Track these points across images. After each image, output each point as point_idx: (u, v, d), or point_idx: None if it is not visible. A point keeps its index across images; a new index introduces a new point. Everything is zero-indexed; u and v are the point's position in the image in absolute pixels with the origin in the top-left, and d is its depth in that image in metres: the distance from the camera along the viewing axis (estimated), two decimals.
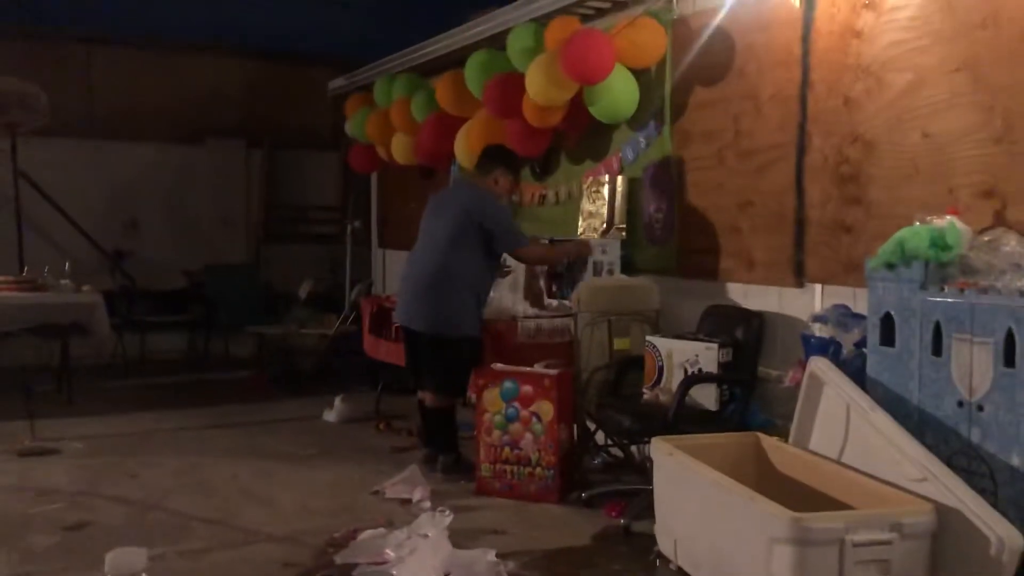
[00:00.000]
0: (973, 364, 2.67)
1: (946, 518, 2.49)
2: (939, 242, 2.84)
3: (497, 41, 5.67)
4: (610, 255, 4.79)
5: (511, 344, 4.63)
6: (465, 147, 5.66)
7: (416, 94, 6.38)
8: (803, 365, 3.26)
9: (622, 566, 3.47)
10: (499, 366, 4.40)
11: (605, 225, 5.00)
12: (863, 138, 3.67)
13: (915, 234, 2.89)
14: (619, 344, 4.47)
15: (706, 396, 3.91)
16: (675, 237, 4.68)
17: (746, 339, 4.02)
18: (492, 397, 4.32)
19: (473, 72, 5.53)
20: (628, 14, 4.83)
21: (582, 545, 3.73)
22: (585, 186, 5.25)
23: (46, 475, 4.66)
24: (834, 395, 3.00)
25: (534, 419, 4.24)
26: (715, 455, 3.02)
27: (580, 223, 5.23)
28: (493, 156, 4.86)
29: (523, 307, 4.91)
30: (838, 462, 2.95)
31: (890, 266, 2.94)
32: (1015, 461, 2.57)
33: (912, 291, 2.86)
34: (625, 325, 4.48)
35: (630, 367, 4.30)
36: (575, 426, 4.43)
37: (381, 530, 3.67)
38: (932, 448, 2.70)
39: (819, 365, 3.08)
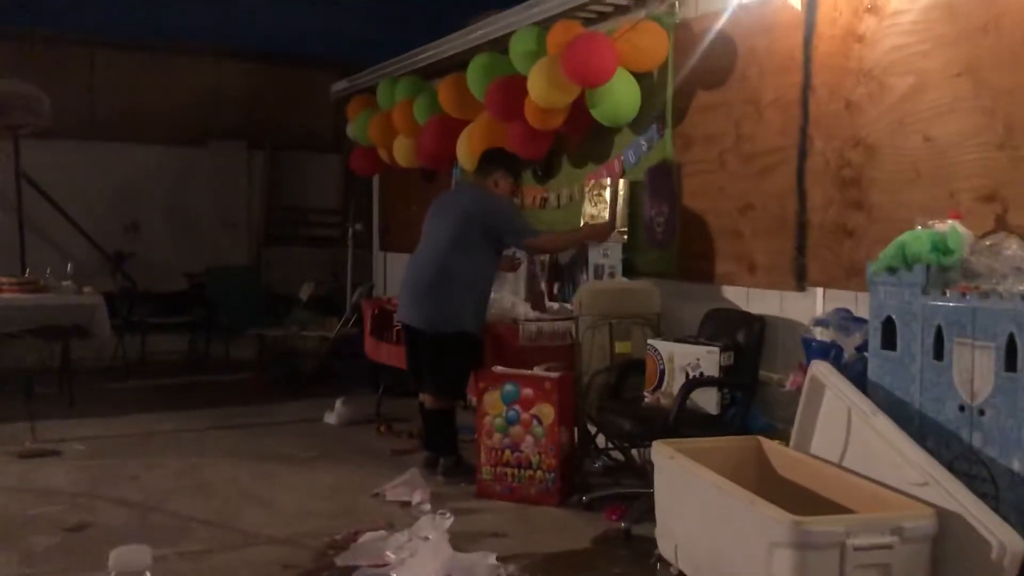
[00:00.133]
0: (974, 368, 2.67)
1: (947, 522, 2.49)
2: (940, 246, 2.84)
3: (499, 44, 5.67)
4: (611, 258, 4.79)
5: (512, 347, 4.63)
6: (467, 150, 5.66)
7: (418, 97, 6.39)
8: (804, 369, 3.25)
9: (622, 570, 3.47)
10: (500, 369, 4.40)
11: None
12: (865, 142, 3.67)
13: (916, 238, 2.89)
14: (620, 347, 4.46)
15: (707, 400, 3.91)
16: (676, 240, 4.68)
17: (747, 343, 4.02)
18: (493, 400, 4.32)
19: (475, 75, 5.53)
20: (630, 18, 4.84)
21: (582, 548, 3.72)
22: (587, 189, 5.25)
23: (47, 477, 4.66)
24: (835, 399, 2.99)
25: (535, 422, 4.23)
26: (716, 459, 3.02)
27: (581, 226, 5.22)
28: (493, 159, 4.87)
29: (524, 310, 4.91)
30: (839, 466, 2.95)
31: (891, 270, 2.94)
32: (1016, 466, 2.56)
33: (913, 295, 2.86)
34: (626, 328, 4.48)
35: (631, 370, 4.30)
36: (576, 429, 4.43)
37: (381, 532, 3.68)
38: (933, 452, 2.70)
39: (820, 369, 3.08)
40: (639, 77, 4.73)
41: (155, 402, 6.58)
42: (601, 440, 4.66)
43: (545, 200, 5.78)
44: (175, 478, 4.67)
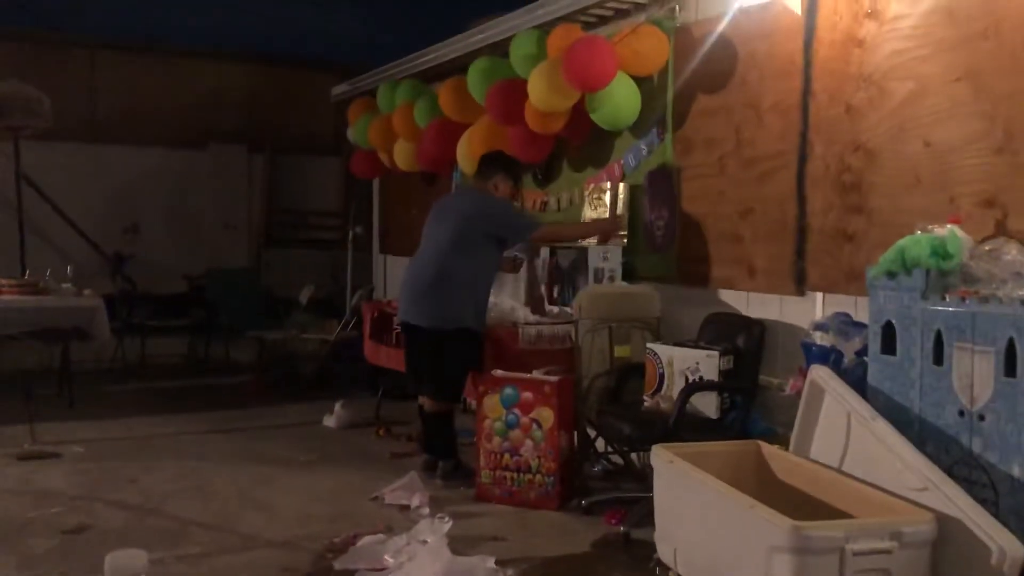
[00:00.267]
0: (974, 373, 2.67)
1: (947, 528, 2.49)
2: (940, 251, 2.84)
3: (500, 48, 5.68)
4: (611, 262, 4.79)
5: (512, 350, 4.63)
6: (467, 153, 5.66)
7: (419, 100, 6.39)
8: (804, 373, 3.25)
9: (622, 574, 3.47)
10: (499, 372, 4.40)
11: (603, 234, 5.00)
12: (865, 147, 3.67)
13: (916, 243, 2.89)
14: (620, 351, 4.46)
15: (707, 404, 3.91)
16: (676, 244, 4.68)
17: (747, 347, 4.02)
18: (492, 403, 4.32)
19: (476, 79, 5.54)
20: (631, 22, 4.84)
21: (582, 552, 3.72)
22: (587, 193, 5.25)
23: (46, 479, 4.66)
24: (835, 403, 2.99)
25: (534, 426, 4.23)
26: (716, 463, 3.02)
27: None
28: (492, 162, 4.87)
29: (524, 313, 4.91)
30: (839, 471, 2.94)
31: (891, 274, 2.94)
32: (1016, 471, 2.56)
33: (913, 300, 2.86)
34: (626, 332, 4.48)
35: (631, 374, 4.30)
36: (575, 433, 4.43)
37: (380, 536, 3.67)
38: (933, 457, 2.70)
39: (820, 373, 3.07)
40: (639, 81, 4.74)
41: (154, 405, 6.57)
42: (601, 444, 4.66)
43: (545, 204, 5.78)
44: (174, 481, 4.67)
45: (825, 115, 3.85)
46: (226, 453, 5.24)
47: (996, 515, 2.51)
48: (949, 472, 2.65)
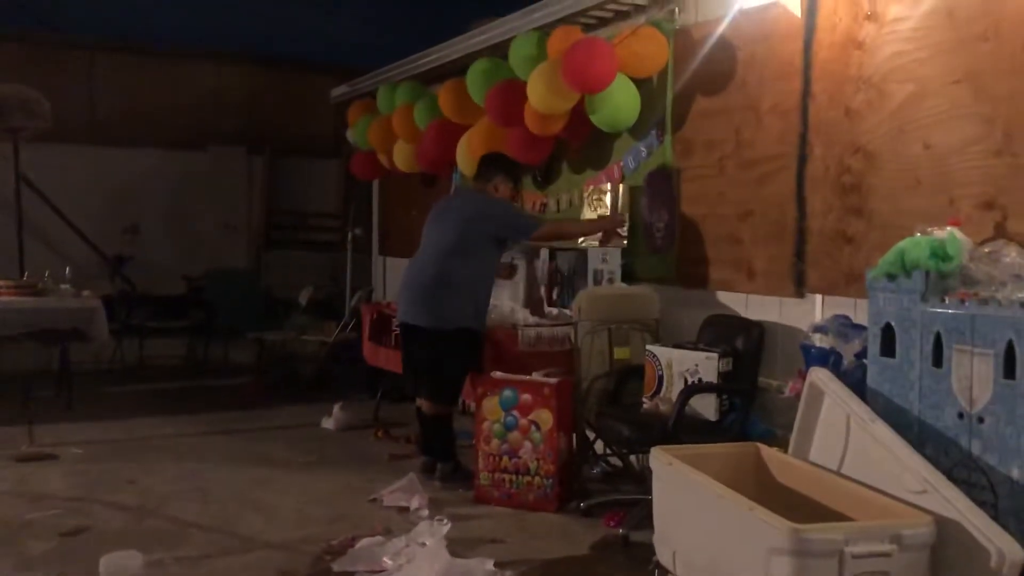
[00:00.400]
0: (973, 375, 2.67)
1: (946, 530, 2.48)
2: (940, 253, 2.83)
3: (499, 50, 5.68)
4: (610, 264, 4.79)
5: (511, 352, 4.63)
6: (467, 155, 5.66)
7: (418, 102, 6.39)
8: (803, 375, 3.25)
9: None
10: (498, 374, 4.40)
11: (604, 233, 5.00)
12: (864, 149, 3.67)
13: (916, 245, 2.89)
14: (619, 353, 4.46)
15: (706, 406, 3.91)
16: (676, 246, 4.68)
17: (746, 349, 4.02)
18: (491, 405, 4.31)
19: (475, 80, 5.54)
20: (630, 23, 4.84)
21: (580, 555, 3.72)
22: (586, 194, 5.25)
23: (44, 480, 4.65)
24: (834, 406, 2.99)
25: (533, 428, 4.23)
26: (715, 465, 3.01)
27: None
28: (491, 164, 4.88)
29: (523, 315, 4.91)
30: (838, 473, 2.94)
31: (891, 276, 2.93)
32: (1015, 473, 2.56)
33: (912, 302, 2.85)
34: (625, 334, 4.48)
35: (630, 376, 4.30)
36: (574, 435, 4.42)
37: (379, 538, 3.67)
38: (932, 460, 2.69)
39: (819, 375, 3.07)
40: (639, 83, 4.73)
41: (153, 406, 6.57)
42: (599, 446, 4.66)
43: (545, 205, 5.78)
44: (172, 482, 4.66)
45: (825, 117, 3.85)
46: (225, 455, 5.24)
47: (995, 517, 2.50)
48: (948, 474, 2.65)
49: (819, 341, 3.50)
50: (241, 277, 9.31)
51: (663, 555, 3.16)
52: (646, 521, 3.39)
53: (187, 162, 9.85)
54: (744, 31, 4.25)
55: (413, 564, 3.34)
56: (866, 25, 3.66)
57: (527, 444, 4.24)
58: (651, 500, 3.24)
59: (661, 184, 4.73)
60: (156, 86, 9.76)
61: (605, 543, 3.83)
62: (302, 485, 4.65)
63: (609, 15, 5.06)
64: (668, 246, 4.71)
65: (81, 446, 5.32)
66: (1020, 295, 2.60)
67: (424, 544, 3.46)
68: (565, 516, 4.16)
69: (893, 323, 2.93)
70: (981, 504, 2.54)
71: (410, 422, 5.37)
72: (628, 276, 4.84)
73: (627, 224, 4.92)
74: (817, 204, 3.89)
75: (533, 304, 5.08)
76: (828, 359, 3.33)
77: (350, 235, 7.98)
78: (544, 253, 5.28)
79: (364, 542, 3.63)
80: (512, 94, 5.12)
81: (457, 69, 6.13)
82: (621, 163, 5.07)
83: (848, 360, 3.30)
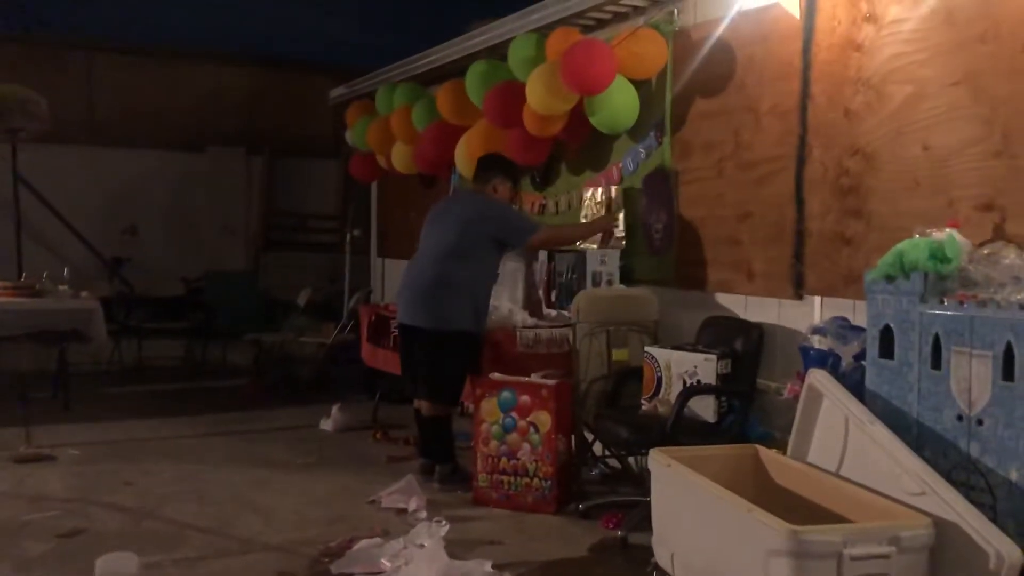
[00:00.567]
0: (972, 377, 2.66)
1: (944, 532, 2.48)
2: (938, 255, 2.83)
3: (498, 51, 5.68)
4: (609, 265, 4.78)
5: (510, 353, 4.62)
6: (465, 156, 5.66)
7: (417, 103, 6.39)
8: (802, 377, 3.24)
9: None
10: (497, 376, 4.39)
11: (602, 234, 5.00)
12: (863, 150, 3.67)
13: (914, 246, 2.89)
14: (617, 355, 4.46)
15: (704, 407, 3.90)
16: (674, 248, 4.68)
17: (745, 350, 4.01)
18: (490, 407, 4.31)
19: (474, 81, 5.54)
20: (629, 25, 4.84)
21: (579, 556, 3.71)
22: (585, 196, 5.24)
23: (41, 482, 4.64)
24: (833, 408, 2.98)
25: (532, 429, 4.22)
26: (713, 467, 3.01)
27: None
28: (490, 165, 4.87)
29: (522, 317, 4.90)
30: (836, 475, 2.94)
31: (889, 278, 2.93)
32: (1014, 475, 2.55)
33: (911, 303, 2.85)
34: (624, 335, 4.48)
35: (628, 378, 4.29)
36: (573, 437, 4.42)
37: (377, 540, 3.66)
38: (931, 462, 2.69)
39: (818, 377, 3.07)
40: (638, 84, 4.73)
41: (151, 407, 6.56)
42: (598, 448, 4.65)
43: (543, 207, 5.78)
44: (170, 484, 4.66)
45: (823, 118, 3.85)
46: (223, 456, 5.23)
47: (994, 519, 2.50)
48: (947, 477, 2.64)
49: (818, 343, 3.50)
50: (240, 278, 9.31)
51: (661, 557, 3.15)
52: (644, 523, 3.39)
53: (186, 163, 9.86)
54: (743, 32, 4.24)
55: (411, 566, 3.33)
56: (865, 27, 3.66)
57: (526, 446, 4.24)
58: (649, 502, 3.24)
59: (660, 185, 4.73)
60: (155, 87, 9.77)
61: (603, 545, 3.82)
62: (300, 486, 4.64)
63: (608, 16, 5.05)
64: (667, 248, 4.71)
65: (79, 447, 5.31)
66: (1019, 297, 2.60)
67: (422, 546, 3.45)
68: (563, 518, 4.16)
69: (892, 325, 2.92)
70: (980, 506, 2.54)
71: (408, 424, 5.36)
72: (627, 278, 4.84)
73: (619, 225, 4.90)
74: (816, 206, 3.89)
75: (532, 306, 5.07)
76: (827, 361, 3.33)
77: (349, 236, 7.97)
78: (543, 255, 5.27)
79: (362, 544, 3.62)
80: (511, 95, 5.12)
81: (456, 70, 6.13)
82: (620, 164, 5.07)
83: (847, 362, 3.30)
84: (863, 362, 3.12)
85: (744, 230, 4.27)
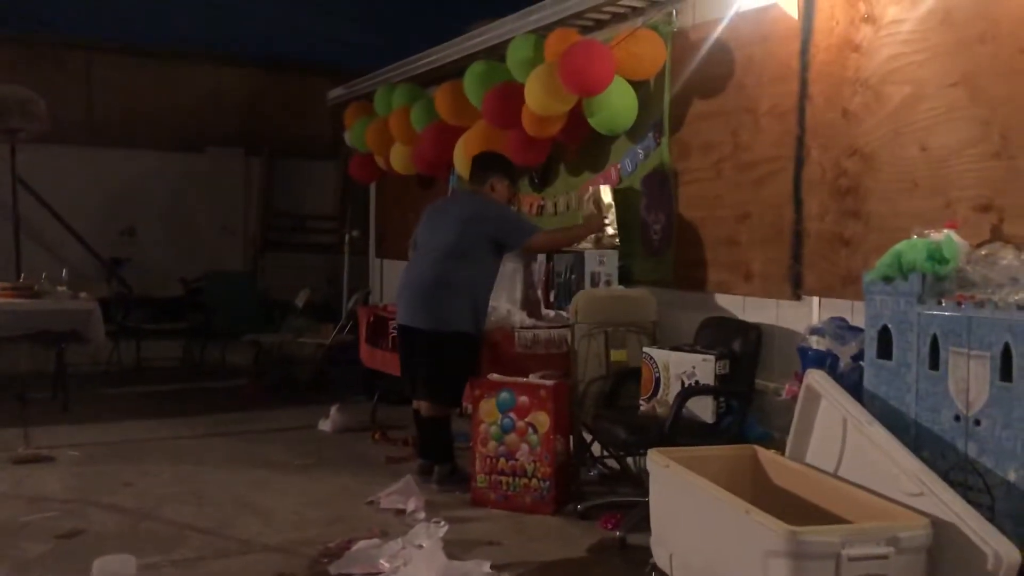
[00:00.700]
0: (970, 378, 2.67)
1: (943, 533, 2.48)
2: (936, 255, 2.83)
3: (496, 52, 5.68)
4: (607, 266, 4.78)
5: (508, 354, 4.62)
6: (464, 157, 5.65)
7: (415, 104, 6.39)
8: (800, 378, 3.24)
9: None
10: (496, 376, 4.39)
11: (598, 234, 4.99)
12: (861, 151, 3.67)
13: (912, 247, 2.89)
14: (616, 355, 4.46)
15: (703, 408, 3.90)
16: (673, 248, 4.68)
17: (743, 351, 4.02)
18: (488, 407, 4.31)
19: (472, 82, 5.54)
20: (628, 26, 4.84)
21: (577, 557, 3.71)
22: (585, 199, 5.24)
23: (40, 483, 4.64)
24: (831, 408, 2.99)
25: (530, 430, 4.22)
26: (711, 467, 3.01)
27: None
28: (486, 164, 4.87)
29: (520, 317, 4.90)
30: (835, 475, 2.94)
31: (887, 279, 2.93)
32: (1012, 476, 2.56)
33: (909, 304, 2.85)
34: (622, 336, 4.48)
35: (627, 378, 4.30)
36: (571, 437, 4.42)
37: (375, 541, 3.66)
38: (929, 462, 2.69)
39: (816, 378, 3.07)
40: (636, 85, 4.73)
41: (150, 408, 6.56)
42: (596, 448, 4.65)
43: (542, 208, 5.78)
44: (169, 485, 4.65)
45: (822, 119, 3.85)
46: (222, 457, 5.23)
47: (992, 520, 2.50)
48: (945, 477, 2.65)
49: (816, 343, 3.50)
50: (238, 279, 9.31)
51: (660, 557, 3.15)
52: (643, 523, 3.39)
53: (185, 164, 9.86)
54: (741, 33, 4.25)
55: (410, 566, 3.33)
56: (863, 27, 3.66)
57: (524, 446, 4.24)
58: (648, 502, 3.24)
59: (658, 186, 4.74)
60: (154, 88, 9.77)
61: (602, 545, 3.82)
62: (299, 487, 4.64)
63: (606, 17, 5.06)
64: (665, 248, 4.71)
65: (77, 448, 5.31)
66: (1017, 297, 2.60)
67: (421, 546, 3.45)
68: (562, 518, 4.15)
69: (890, 325, 2.93)
70: (978, 506, 2.54)
71: (407, 424, 5.36)
72: (625, 278, 4.84)
73: (608, 219, 4.89)
74: (814, 206, 3.89)
75: (530, 306, 5.07)
76: (825, 361, 3.33)
77: (347, 237, 7.98)
78: (541, 255, 5.26)
79: (361, 544, 3.62)
80: (509, 96, 5.12)
81: (454, 71, 6.13)
82: (618, 165, 5.07)
83: (845, 362, 3.30)
84: (861, 363, 3.13)
85: (742, 231, 4.27)
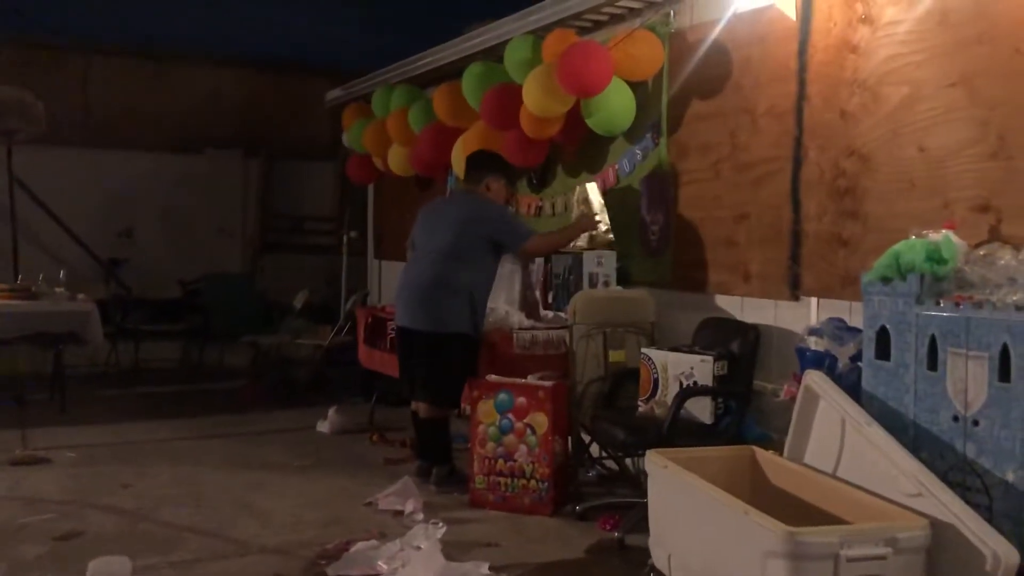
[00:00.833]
0: (968, 378, 2.67)
1: (941, 533, 2.48)
2: (935, 256, 2.83)
3: (494, 53, 5.68)
4: (606, 267, 4.78)
5: (506, 355, 4.62)
6: (462, 158, 5.65)
7: (413, 105, 6.39)
8: (798, 378, 3.24)
9: None
10: (494, 377, 4.39)
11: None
12: (859, 152, 3.67)
13: (911, 248, 2.89)
14: (614, 356, 4.45)
15: (701, 409, 3.90)
16: (671, 249, 4.68)
17: (742, 352, 4.02)
18: (486, 408, 4.31)
19: (470, 83, 5.54)
20: (626, 27, 4.84)
21: (576, 558, 3.71)
22: (575, 200, 5.24)
23: (37, 484, 4.63)
24: (829, 409, 2.99)
25: (528, 431, 4.22)
26: (710, 468, 3.01)
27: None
28: (481, 163, 4.86)
29: (518, 318, 4.90)
30: (833, 476, 2.94)
31: (886, 280, 2.94)
32: (1010, 476, 2.56)
33: (907, 305, 2.85)
34: (620, 337, 4.48)
35: (625, 379, 4.29)
36: (569, 438, 4.41)
37: (373, 542, 3.65)
38: (927, 463, 2.69)
39: (814, 378, 3.07)
40: (634, 86, 4.74)
41: (148, 410, 6.55)
42: (595, 449, 4.65)
43: (540, 208, 5.78)
44: (167, 486, 4.65)
45: (819, 120, 3.85)
46: (220, 458, 5.22)
47: (990, 520, 2.50)
48: (943, 477, 2.65)
49: (814, 344, 3.50)
50: (237, 280, 9.30)
51: (658, 558, 3.15)
52: (641, 524, 3.39)
53: (183, 165, 9.84)
54: (739, 34, 4.25)
55: (408, 568, 3.33)
56: (861, 28, 3.66)
57: (522, 447, 4.23)
58: (646, 503, 3.24)
59: (657, 187, 4.74)
60: (152, 89, 9.75)
61: (600, 546, 3.82)
62: (297, 489, 4.63)
63: (604, 18, 5.06)
64: (664, 249, 4.71)
65: (75, 450, 5.30)
66: (1015, 298, 2.60)
67: (419, 548, 3.44)
68: (560, 519, 4.15)
69: (888, 326, 2.93)
70: (976, 507, 2.54)
71: (405, 426, 5.36)
72: (623, 279, 4.83)
73: (596, 215, 4.88)
74: (812, 207, 3.90)
75: (528, 307, 5.07)
76: (823, 362, 3.33)
77: (346, 238, 7.97)
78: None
79: (359, 546, 3.61)
80: (507, 97, 5.12)
81: (452, 72, 6.13)
82: (616, 166, 5.07)
83: (843, 363, 3.30)
84: (859, 363, 3.13)
85: (741, 231, 4.27)
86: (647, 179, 4.81)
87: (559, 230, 4.98)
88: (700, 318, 4.35)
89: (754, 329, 4.07)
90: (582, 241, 4.96)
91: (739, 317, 4.26)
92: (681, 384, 3.94)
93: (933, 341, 2.77)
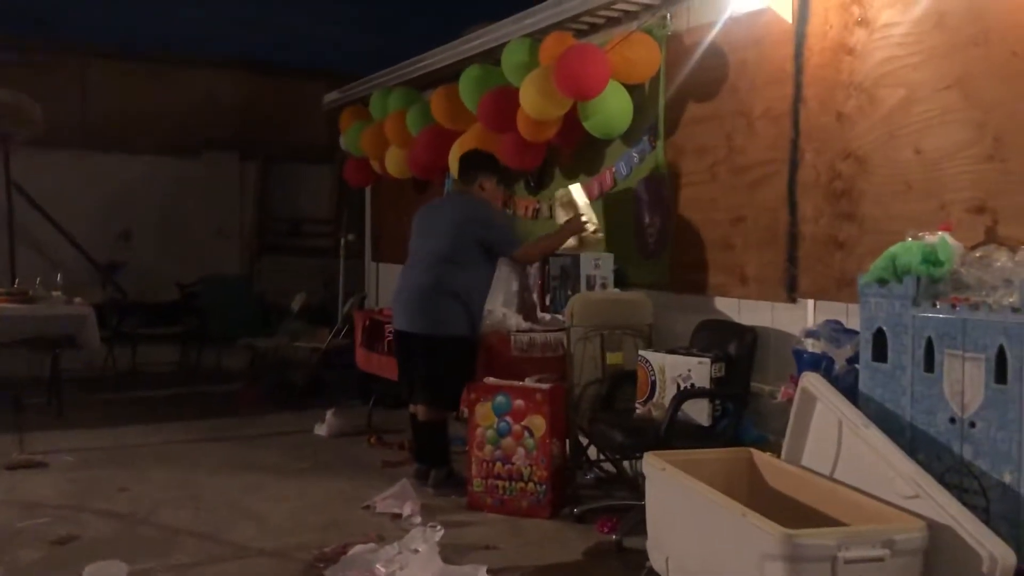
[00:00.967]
0: (965, 380, 2.67)
1: (938, 535, 2.48)
2: (931, 258, 2.84)
3: (491, 56, 5.68)
4: (603, 269, 4.78)
5: (504, 358, 4.62)
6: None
7: (411, 108, 6.39)
8: (795, 380, 3.25)
9: None
10: (491, 380, 4.39)
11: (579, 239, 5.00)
12: (855, 154, 3.68)
13: (907, 250, 2.90)
14: (612, 358, 4.46)
15: (699, 411, 3.90)
16: (668, 252, 4.68)
17: (739, 354, 4.02)
18: (484, 411, 4.31)
19: (468, 86, 5.54)
20: (622, 30, 4.85)
21: (574, 561, 3.71)
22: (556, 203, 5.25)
23: (34, 488, 4.62)
24: (826, 411, 2.99)
25: (526, 434, 4.22)
26: (707, 470, 3.01)
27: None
28: (474, 163, 4.86)
29: (516, 321, 4.90)
30: (830, 478, 2.94)
31: (882, 282, 2.94)
32: (1007, 478, 2.56)
33: (904, 307, 2.86)
34: (618, 339, 4.48)
35: (623, 382, 4.29)
36: (567, 441, 4.41)
37: (371, 545, 3.65)
38: (924, 464, 2.70)
39: (811, 380, 3.07)
40: (631, 89, 4.74)
41: (145, 413, 6.54)
42: (593, 452, 4.65)
43: (537, 211, 5.78)
44: (164, 490, 4.64)
45: (816, 122, 3.86)
46: (217, 461, 5.21)
47: (987, 522, 2.50)
48: (940, 479, 2.65)
49: (811, 346, 3.51)
50: (234, 283, 9.30)
51: (656, 561, 3.15)
52: (639, 527, 3.39)
53: (180, 168, 9.84)
54: (735, 37, 4.26)
55: (406, 571, 3.33)
56: (857, 31, 3.67)
57: (520, 450, 4.23)
58: (644, 506, 3.24)
59: (654, 190, 4.74)
60: (149, 92, 9.75)
61: (598, 549, 3.82)
62: (295, 492, 4.63)
63: (601, 21, 5.07)
64: (661, 251, 4.72)
65: (72, 453, 5.29)
66: (1011, 300, 2.61)
67: (417, 551, 3.44)
68: (558, 522, 4.15)
69: (885, 328, 2.93)
70: (973, 509, 2.54)
71: (403, 428, 5.36)
72: (621, 281, 4.84)
73: (584, 216, 4.89)
74: (809, 209, 3.90)
75: (526, 309, 5.07)
76: (820, 364, 3.33)
77: (343, 241, 7.97)
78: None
79: (357, 549, 3.61)
80: (505, 100, 5.12)
81: (450, 75, 6.13)
82: (613, 169, 5.08)
83: (840, 365, 3.30)
84: (856, 365, 3.13)
85: (737, 234, 4.28)
86: (644, 182, 4.81)
87: (548, 236, 4.97)
88: (697, 320, 4.35)
89: (751, 331, 4.07)
90: (572, 241, 4.96)
91: (736, 319, 4.26)
92: (679, 386, 3.94)
93: (930, 343, 2.78)
